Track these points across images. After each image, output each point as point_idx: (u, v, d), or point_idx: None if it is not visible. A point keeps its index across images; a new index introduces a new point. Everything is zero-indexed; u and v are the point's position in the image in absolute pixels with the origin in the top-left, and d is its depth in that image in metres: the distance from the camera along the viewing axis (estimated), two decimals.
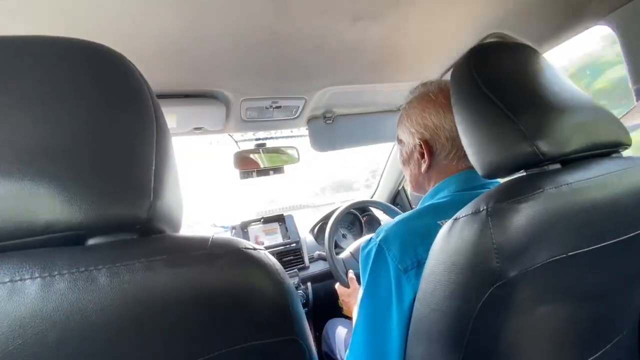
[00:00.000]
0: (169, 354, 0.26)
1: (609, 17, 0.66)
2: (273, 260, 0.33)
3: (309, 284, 1.35)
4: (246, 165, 1.21)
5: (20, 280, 0.23)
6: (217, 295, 0.28)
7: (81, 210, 0.26)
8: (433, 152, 0.65)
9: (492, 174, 0.47)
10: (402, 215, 0.60)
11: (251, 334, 0.30)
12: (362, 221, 1.61)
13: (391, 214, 1.49)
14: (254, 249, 0.32)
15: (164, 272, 0.27)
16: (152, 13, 0.54)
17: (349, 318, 1.24)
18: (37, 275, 0.23)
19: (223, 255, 0.29)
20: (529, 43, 0.76)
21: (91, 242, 0.28)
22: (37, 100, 0.27)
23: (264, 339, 0.30)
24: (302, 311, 0.35)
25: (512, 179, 0.44)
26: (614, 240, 0.42)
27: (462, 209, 0.42)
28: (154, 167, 0.30)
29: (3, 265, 0.23)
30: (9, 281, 0.23)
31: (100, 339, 0.24)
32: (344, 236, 1.61)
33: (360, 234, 1.60)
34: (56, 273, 0.24)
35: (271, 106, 0.95)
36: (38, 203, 0.25)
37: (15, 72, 0.28)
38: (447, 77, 1.00)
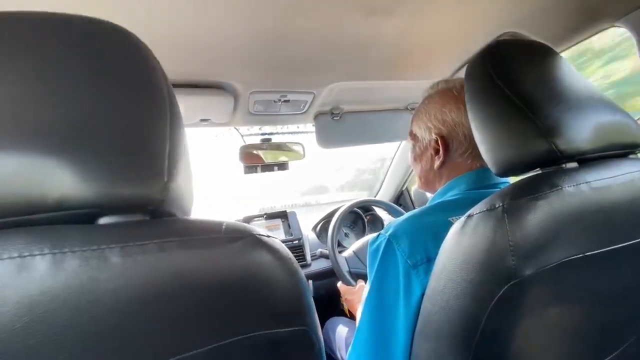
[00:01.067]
0: (180, 338, 0.26)
1: (625, 18, 0.65)
2: (287, 249, 0.33)
3: (310, 281, 1.35)
4: (251, 159, 1.21)
5: (30, 255, 0.22)
6: (229, 280, 0.27)
7: (94, 188, 0.25)
8: (449, 149, 0.64)
9: (507, 171, 0.46)
10: (412, 212, 0.59)
11: (263, 322, 0.29)
12: (365, 220, 1.60)
13: (395, 213, 1.48)
14: (268, 236, 0.31)
15: (177, 254, 0.26)
16: (167, 1, 0.53)
17: (350, 317, 1.23)
18: (47, 251, 0.23)
19: (237, 239, 0.29)
20: (544, 42, 0.75)
21: (103, 221, 0.27)
22: (54, 77, 0.27)
23: (276, 328, 0.30)
24: (313, 303, 0.34)
25: (529, 177, 0.43)
26: (631, 242, 0.41)
27: (476, 206, 0.42)
28: (167, 149, 0.29)
29: (12, 240, 0.23)
30: (17, 256, 0.22)
31: (110, 320, 0.23)
32: (346, 235, 1.60)
33: (362, 233, 1.60)
34: (67, 250, 0.23)
35: (279, 100, 0.95)
36: (50, 178, 0.24)
37: (33, 47, 0.27)
38: (458, 75, 0.99)
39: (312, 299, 0.34)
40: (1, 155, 0.23)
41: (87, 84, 0.27)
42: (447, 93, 0.65)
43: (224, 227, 0.29)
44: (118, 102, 0.28)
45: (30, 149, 0.24)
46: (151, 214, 0.29)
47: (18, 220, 0.24)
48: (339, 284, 1.12)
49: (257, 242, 0.30)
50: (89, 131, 0.26)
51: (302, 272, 0.34)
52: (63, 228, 0.25)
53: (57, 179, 0.24)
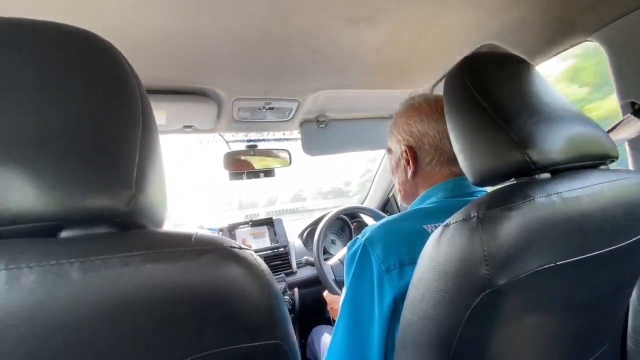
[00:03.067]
0: (143, 356, 0.25)
1: (598, 33, 0.68)
2: (259, 261, 0.32)
3: (295, 289, 1.33)
4: (236, 166, 1.19)
5: None
6: (198, 294, 0.27)
7: (55, 200, 0.24)
8: (417, 158, 0.66)
9: (483, 181, 0.47)
10: (388, 218, 0.60)
11: (233, 337, 0.28)
12: (352, 227, 1.60)
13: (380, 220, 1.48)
14: (240, 247, 0.31)
15: (142, 268, 0.25)
16: (144, 5, 0.52)
17: None
18: (2, 267, 0.22)
19: (206, 252, 0.28)
20: (521, 55, 0.77)
21: (65, 234, 0.26)
22: (13, 81, 0.26)
23: (247, 343, 0.29)
24: (288, 315, 0.34)
25: (503, 187, 0.44)
26: (601, 251, 0.42)
27: (452, 215, 0.42)
28: (137, 159, 0.29)
29: None
30: None
31: (69, 339, 0.22)
32: (332, 242, 1.59)
33: (349, 240, 1.59)
34: (24, 266, 0.22)
35: (264, 107, 0.94)
36: (8, 190, 0.23)
37: None
38: (440, 86, 1.01)
39: (287, 311, 0.34)
40: None
41: (50, 90, 0.27)
42: (411, 107, 0.69)
43: (193, 239, 0.29)
44: (83, 110, 0.27)
45: None
46: (118, 226, 0.28)
47: None
48: (325, 294, 1.11)
49: (228, 254, 0.29)
50: (50, 140, 0.25)
51: (276, 284, 0.33)
52: (21, 242, 0.24)
53: (14, 191, 0.23)
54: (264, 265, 0.32)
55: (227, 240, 0.31)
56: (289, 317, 0.34)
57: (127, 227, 0.28)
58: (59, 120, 0.26)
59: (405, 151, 0.67)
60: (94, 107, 0.28)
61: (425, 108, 0.66)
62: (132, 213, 0.27)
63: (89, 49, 0.30)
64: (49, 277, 0.22)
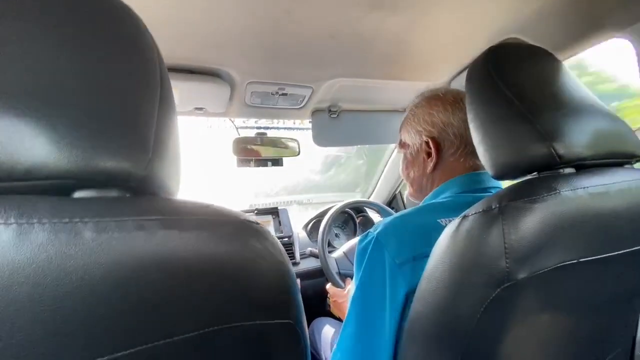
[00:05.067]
0: (155, 325, 0.24)
1: (628, 30, 0.65)
2: (276, 239, 0.31)
3: (298, 280, 1.33)
4: (245, 153, 1.18)
5: None
6: (213, 264, 0.26)
7: (70, 157, 0.23)
8: (441, 149, 0.64)
9: (504, 174, 0.45)
10: (402, 211, 0.59)
11: (245, 313, 0.27)
12: (357, 221, 1.59)
13: (386, 216, 1.47)
14: (258, 223, 0.30)
15: (158, 233, 0.24)
16: None
17: (337, 318, 1.22)
18: (12, 221, 0.21)
19: (225, 223, 0.27)
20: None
21: (78, 194, 0.25)
22: (37, 35, 0.25)
23: (260, 320, 0.28)
24: (300, 297, 0.33)
25: (526, 180, 0.42)
26: (626, 250, 0.41)
27: (471, 207, 0.41)
28: (155, 127, 0.28)
29: None
30: None
31: (78, 300, 0.21)
32: (336, 235, 1.59)
33: (353, 234, 1.58)
34: (35, 221, 0.21)
35: (277, 92, 0.93)
36: (21, 144, 0.22)
37: (13, 3, 0.25)
38: (458, 80, 0.99)
39: (299, 293, 0.33)
40: None
41: (69, 46, 0.26)
42: (433, 97, 0.67)
43: (211, 209, 0.28)
44: (105, 70, 0.27)
45: None
46: (132, 191, 0.27)
47: None
48: (328, 286, 1.10)
49: (246, 227, 0.28)
50: (68, 95, 0.24)
51: (291, 264, 0.32)
52: (33, 198, 0.23)
53: (27, 145, 0.22)
54: (280, 245, 0.32)
55: (245, 215, 0.30)
56: (301, 300, 0.33)
57: (140, 192, 0.27)
58: (78, 77, 0.25)
59: (427, 142, 0.65)
60: (113, 68, 0.27)
61: (449, 98, 0.64)
62: (148, 178, 0.26)
63: (112, 9, 0.30)
64: (61, 235, 0.21)
